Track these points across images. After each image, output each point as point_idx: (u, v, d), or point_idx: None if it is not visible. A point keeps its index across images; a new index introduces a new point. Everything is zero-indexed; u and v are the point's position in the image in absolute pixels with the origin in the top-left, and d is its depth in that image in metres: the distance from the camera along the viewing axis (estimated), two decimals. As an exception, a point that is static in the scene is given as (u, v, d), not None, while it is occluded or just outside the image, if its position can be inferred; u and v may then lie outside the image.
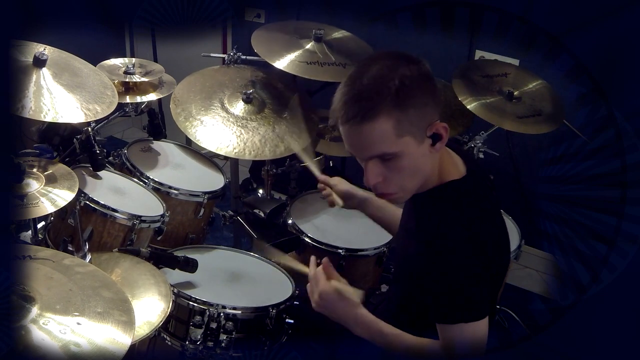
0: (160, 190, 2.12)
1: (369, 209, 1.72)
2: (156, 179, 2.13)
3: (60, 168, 1.76)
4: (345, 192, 1.71)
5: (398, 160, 1.22)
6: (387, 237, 2.07)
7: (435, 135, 1.23)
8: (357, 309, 1.39)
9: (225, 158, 2.48)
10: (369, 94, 1.18)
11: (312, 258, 1.50)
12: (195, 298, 1.68)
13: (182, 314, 1.69)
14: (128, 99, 2.26)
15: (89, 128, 1.98)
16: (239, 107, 2.21)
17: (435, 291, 1.27)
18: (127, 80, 2.28)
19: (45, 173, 1.71)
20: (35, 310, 1.13)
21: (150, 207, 2.02)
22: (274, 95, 2.31)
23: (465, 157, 1.38)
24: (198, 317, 1.66)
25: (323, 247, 2.01)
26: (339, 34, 2.49)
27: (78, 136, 2.00)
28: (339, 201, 1.69)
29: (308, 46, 2.33)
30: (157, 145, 2.40)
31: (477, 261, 1.24)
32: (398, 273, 1.54)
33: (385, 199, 1.31)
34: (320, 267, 1.44)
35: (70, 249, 1.54)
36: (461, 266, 1.23)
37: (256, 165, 2.68)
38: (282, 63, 2.24)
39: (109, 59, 2.36)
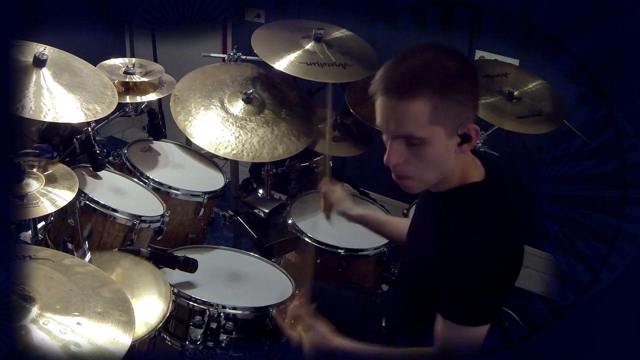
0: (160, 190, 2.12)
1: (366, 224, 1.76)
2: (156, 179, 2.13)
3: (60, 168, 1.76)
4: (341, 212, 1.75)
5: (423, 148, 1.21)
6: (387, 237, 2.07)
7: (465, 136, 1.23)
8: (341, 343, 1.39)
9: (225, 158, 2.48)
10: (415, 73, 1.18)
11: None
12: (195, 298, 1.68)
13: (182, 314, 1.69)
14: (128, 99, 2.26)
15: (89, 128, 1.98)
16: (238, 107, 2.20)
17: (447, 291, 1.27)
18: (127, 80, 2.28)
19: (45, 173, 1.71)
20: (35, 310, 1.13)
21: (150, 207, 2.02)
22: (274, 95, 2.31)
23: (483, 161, 1.37)
24: (198, 317, 1.66)
25: (323, 247, 2.01)
26: (339, 33, 2.49)
27: (78, 136, 2.00)
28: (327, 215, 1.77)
29: (308, 46, 2.32)
30: (157, 145, 2.40)
31: (492, 265, 1.23)
32: (408, 269, 1.53)
33: (401, 183, 1.29)
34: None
35: (70, 247, 1.54)
36: (476, 269, 1.23)
37: (256, 165, 2.68)
38: (282, 64, 2.23)
39: (109, 59, 2.36)
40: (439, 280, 1.28)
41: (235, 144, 2.09)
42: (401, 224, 1.70)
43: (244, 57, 2.45)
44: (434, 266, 1.29)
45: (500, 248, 1.25)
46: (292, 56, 2.27)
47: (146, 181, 2.13)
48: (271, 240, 2.06)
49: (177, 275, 1.75)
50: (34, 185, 1.65)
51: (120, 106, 2.18)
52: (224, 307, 1.67)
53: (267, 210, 2.22)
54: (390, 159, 1.24)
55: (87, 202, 1.83)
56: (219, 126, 2.14)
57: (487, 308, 1.26)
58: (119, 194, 2.01)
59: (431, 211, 1.39)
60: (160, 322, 1.51)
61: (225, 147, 2.08)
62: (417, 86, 1.17)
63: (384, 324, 1.61)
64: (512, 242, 1.33)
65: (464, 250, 1.23)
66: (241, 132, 2.13)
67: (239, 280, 1.85)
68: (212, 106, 2.20)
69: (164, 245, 2.05)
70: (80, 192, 1.81)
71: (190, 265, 1.76)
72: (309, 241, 2.02)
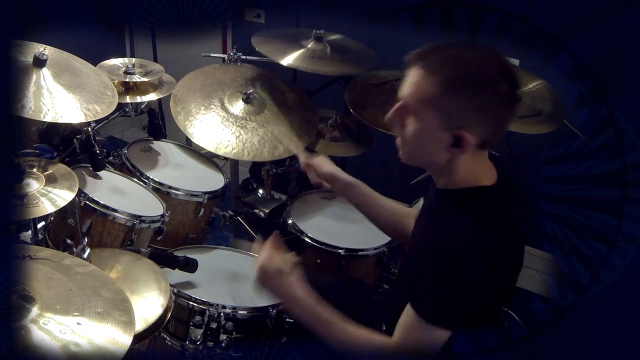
0: (160, 190, 2.12)
1: (353, 194, 1.67)
2: (156, 179, 2.13)
3: (60, 168, 1.76)
4: (328, 174, 1.67)
5: (409, 120, 1.23)
6: (387, 237, 2.07)
7: (457, 140, 1.21)
8: (297, 289, 1.36)
9: (225, 158, 2.48)
10: (444, 55, 1.19)
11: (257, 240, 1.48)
12: (195, 298, 1.68)
13: (182, 314, 1.69)
14: (128, 99, 2.26)
15: (89, 128, 1.98)
16: (238, 107, 2.20)
17: (424, 282, 1.24)
18: (127, 80, 2.28)
19: (45, 173, 1.71)
20: (35, 310, 1.13)
21: (150, 207, 2.02)
22: (274, 95, 2.31)
23: (498, 166, 1.36)
24: (198, 317, 1.66)
25: (323, 247, 2.01)
26: (337, 37, 2.50)
27: (78, 136, 2.00)
28: (325, 183, 1.67)
29: (309, 45, 2.34)
30: (157, 145, 2.40)
31: (476, 271, 1.22)
32: (409, 268, 1.52)
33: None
34: (267, 242, 1.42)
35: (69, 242, 1.53)
36: (458, 270, 1.21)
37: (256, 165, 2.68)
38: (287, 60, 2.25)
39: (109, 59, 2.36)
40: (421, 270, 1.25)
41: (236, 143, 2.09)
42: (392, 208, 1.65)
43: (244, 57, 2.45)
44: (424, 260, 1.26)
45: (491, 256, 1.23)
46: (295, 54, 2.28)
47: (146, 181, 2.13)
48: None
49: (177, 275, 1.75)
50: (34, 185, 1.65)
51: (120, 106, 2.17)
52: (224, 307, 1.67)
53: (267, 210, 2.22)
54: (389, 114, 1.27)
55: (87, 202, 1.83)
56: (220, 126, 2.13)
57: (457, 313, 1.23)
58: (119, 194, 2.01)
59: (435, 207, 1.38)
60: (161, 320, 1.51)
61: (226, 147, 2.08)
62: (435, 63, 1.18)
63: (384, 328, 1.61)
64: (507, 251, 1.30)
65: (453, 247, 1.21)
66: (242, 131, 2.13)
67: (239, 280, 1.85)
68: (212, 106, 2.20)
69: (164, 245, 2.05)
70: (80, 192, 1.81)
71: (190, 265, 1.76)
72: (309, 241, 2.02)
